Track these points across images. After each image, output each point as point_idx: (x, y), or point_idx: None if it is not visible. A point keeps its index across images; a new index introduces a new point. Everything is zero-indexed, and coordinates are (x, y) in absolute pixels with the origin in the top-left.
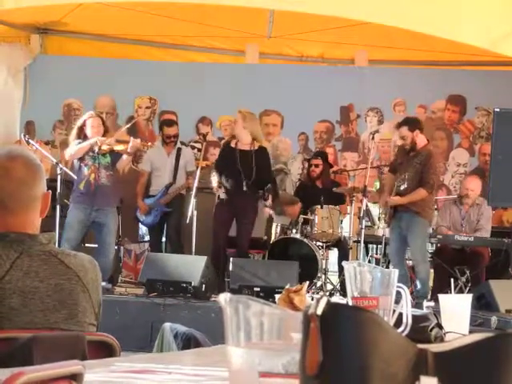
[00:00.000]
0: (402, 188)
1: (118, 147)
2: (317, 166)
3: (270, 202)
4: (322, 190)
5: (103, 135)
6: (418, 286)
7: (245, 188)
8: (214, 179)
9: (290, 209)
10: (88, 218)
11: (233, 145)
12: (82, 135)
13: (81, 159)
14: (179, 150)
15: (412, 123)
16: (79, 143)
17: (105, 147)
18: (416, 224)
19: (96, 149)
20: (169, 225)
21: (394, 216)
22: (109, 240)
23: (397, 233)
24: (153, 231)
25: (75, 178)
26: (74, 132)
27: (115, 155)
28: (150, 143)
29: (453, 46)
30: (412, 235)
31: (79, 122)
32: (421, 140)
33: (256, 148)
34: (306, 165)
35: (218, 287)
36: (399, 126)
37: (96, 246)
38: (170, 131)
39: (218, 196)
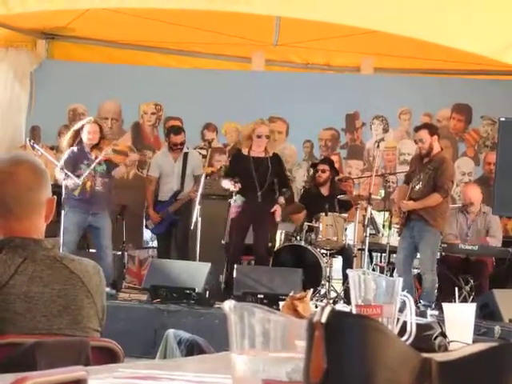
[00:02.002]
0: (416, 188)
1: (116, 159)
2: (324, 171)
3: (282, 201)
4: (327, 197)
5: (98, 143)
6: (424, 294)
7: (259, 199)
8: (226, 184)
9: (295, 216)
10: (84, 221)
11: (245, 152)
12: (76, 139)
13: (74, 168)
14: (186, 154)
15: (432, 128)
16: (69, 157)
17: (100, 156)
18: (428, 233)
19: (96, 157)
20: (177, 231)
21: (406, 225)
22: (106, 243)
23: (407, 242)
24: (161, 238)
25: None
26: (69, 135)
27: (110, 163)
28: (149, 153)
29: (458, 55)
30: (423, 244)
31: (76, 126)
32: (436, 147)
33: (271, 155)
34: (312, 171)
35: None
36: (418, 129)
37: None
38: (177, 139)
39: (230, 202)
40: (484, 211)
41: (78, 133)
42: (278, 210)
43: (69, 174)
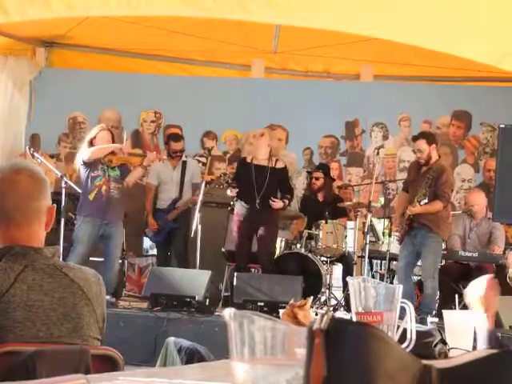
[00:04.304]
0: (422, 203)
1: (132, 161)
2: (317, 178)
3: (285, 200)
4: (324, 203)
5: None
6: (425, 301)
7: (257, 205)
8: (228, 191)
9: (294, 226)
10: (97, 231)
11: (248, 160)
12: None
13: (91, 170)
14: (184, 162)
15: (429, 137)
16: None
17: (116, 160)
18: (430, 240)
19: (124, 150)
20: (176, 239)
21: (408, 233)
22: (115, 254)
23: (409, 249)
24: (160, 246)
25: (80, 189)
26: (86, 144)
27: (124, 168)
28: (164, 157)
29: (458, 61)
30: (426, 251)
31: (90, 135)
32: (434, 155)
33: (274, 165)
34: (308, 178)
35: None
36: (416, 138)
37: (101, 259)
38: (176, 146)
39: (233, 210)
40: (489, 217)
41: (92, 141)
42: (277, 202)
43: (69, 182)
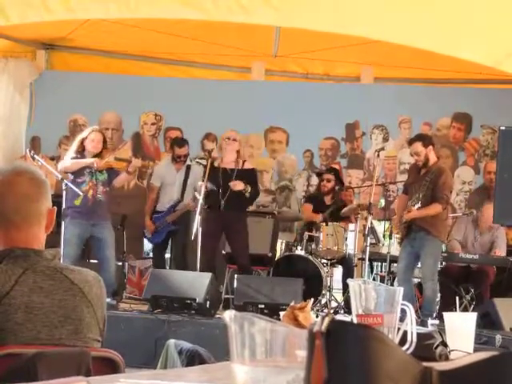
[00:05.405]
0: (416, 208)
1: (118, 166)
2: (329, 181)
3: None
4: (330, 206)
5: (100, 152)
6: (425, 303)
7: (222, 207)
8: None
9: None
10: (85, 232)
11: (216, 164)
12: (81, 148)
13: (77, 175)
14: (188, 167)
15: (425, 139)
16: (75, 158)
17: (102, 165)
18: (429, 243)
19: (95, 165)
20: (175, 242)
21: (407, 235)
22: (108, 254)
23: (408, 251)
24: (157, 248)
25: (72, 193)
26: (75, 144)
27: (112, 172)
28: (151, 163)
29: (458, 63)
30: (425, 253)
31: (82, 135)
32: (432, 157)
33: (241, 167)
34: (317, 179)
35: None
36: (412, 141)
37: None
38: (180, 152)
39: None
40: (491, 225)
41: (83, 142)
42: (237, 183)
43: (69, 184)
